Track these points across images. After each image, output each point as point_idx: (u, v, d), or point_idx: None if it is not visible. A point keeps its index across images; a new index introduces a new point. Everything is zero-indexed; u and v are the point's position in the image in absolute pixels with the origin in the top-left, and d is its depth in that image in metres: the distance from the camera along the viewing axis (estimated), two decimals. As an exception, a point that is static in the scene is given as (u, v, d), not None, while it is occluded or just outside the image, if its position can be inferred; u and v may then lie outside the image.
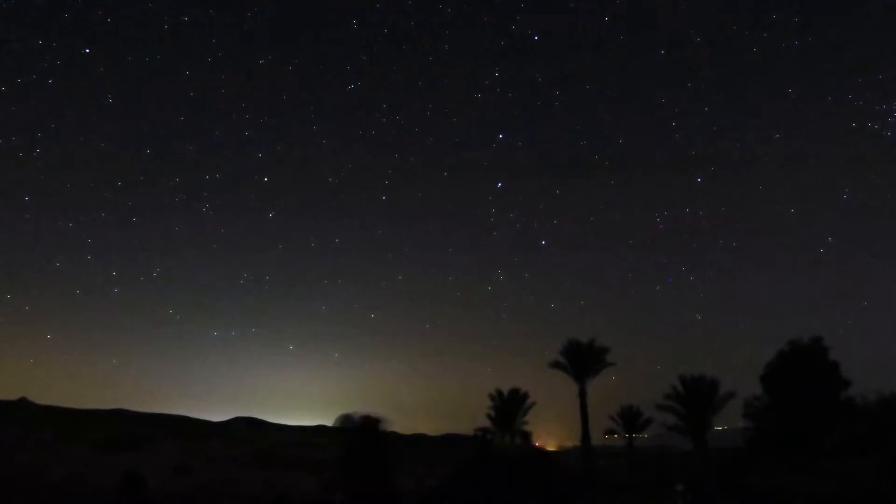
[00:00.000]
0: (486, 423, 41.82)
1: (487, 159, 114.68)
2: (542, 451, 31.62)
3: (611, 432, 45.12)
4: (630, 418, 44.05)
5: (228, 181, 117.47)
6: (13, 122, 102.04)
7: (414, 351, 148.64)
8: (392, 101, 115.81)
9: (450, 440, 66.02)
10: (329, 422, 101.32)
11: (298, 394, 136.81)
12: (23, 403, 79.86)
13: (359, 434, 3.72)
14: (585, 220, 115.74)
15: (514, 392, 42.09)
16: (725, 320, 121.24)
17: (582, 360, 40.38)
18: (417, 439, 68.86)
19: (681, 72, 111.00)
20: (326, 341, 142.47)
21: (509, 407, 41.73)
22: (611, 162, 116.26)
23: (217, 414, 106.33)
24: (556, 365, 40.76)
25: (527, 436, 40.48)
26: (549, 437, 64.30)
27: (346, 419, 3.79)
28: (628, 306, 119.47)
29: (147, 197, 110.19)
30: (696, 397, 35.53)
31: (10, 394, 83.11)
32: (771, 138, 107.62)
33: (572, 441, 51.29)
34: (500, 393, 42.27)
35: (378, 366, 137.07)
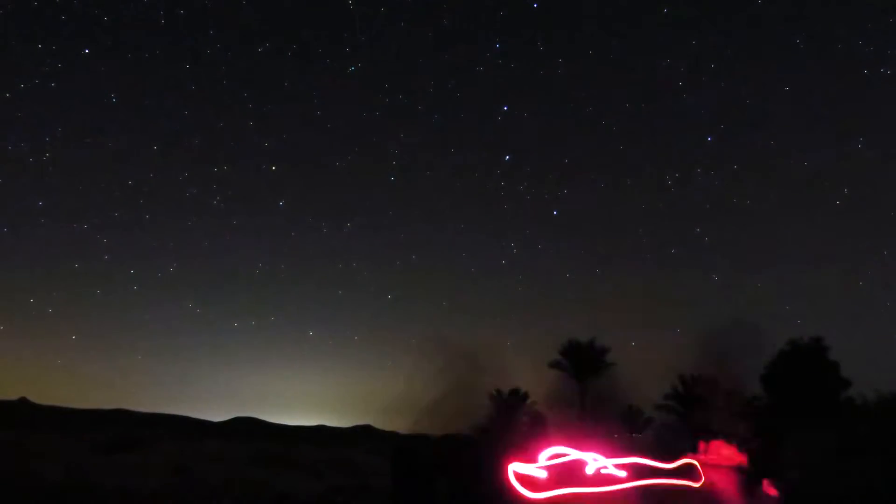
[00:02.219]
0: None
1: (493, 133, 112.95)
2: None
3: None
4: (630, 418, 43.92)
5: (237, 172, 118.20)
6: (20, 128, 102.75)
7: (427, 334, 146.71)
8: (394, 80, 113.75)
9: (450, 440, 65.81)
10: (329, 422, 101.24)
11: (304, 391, 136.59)
12: (23, 403, 79.87)
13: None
14: (596, 188, 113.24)
15: (515, 392, 41.96)
16: (726, 320, 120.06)
17: (582, 360, 40.34)
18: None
19: (685, 29, 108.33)
20: (345, 325, 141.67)
21: (509, 407, 41.57)
22: (618, 127, 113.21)
23: (217, 414, 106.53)
24: (555, 365, 40.72)
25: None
26: (549, 437, 64.16)
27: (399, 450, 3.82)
28: (632, 294, 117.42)
29: (158, 193, 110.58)
30: (696, 397, 35.53)
31: (11, 394, 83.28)
32: (780, 91, 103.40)
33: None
34: (499, 393, 42.14)
35: (396, 352, 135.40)
